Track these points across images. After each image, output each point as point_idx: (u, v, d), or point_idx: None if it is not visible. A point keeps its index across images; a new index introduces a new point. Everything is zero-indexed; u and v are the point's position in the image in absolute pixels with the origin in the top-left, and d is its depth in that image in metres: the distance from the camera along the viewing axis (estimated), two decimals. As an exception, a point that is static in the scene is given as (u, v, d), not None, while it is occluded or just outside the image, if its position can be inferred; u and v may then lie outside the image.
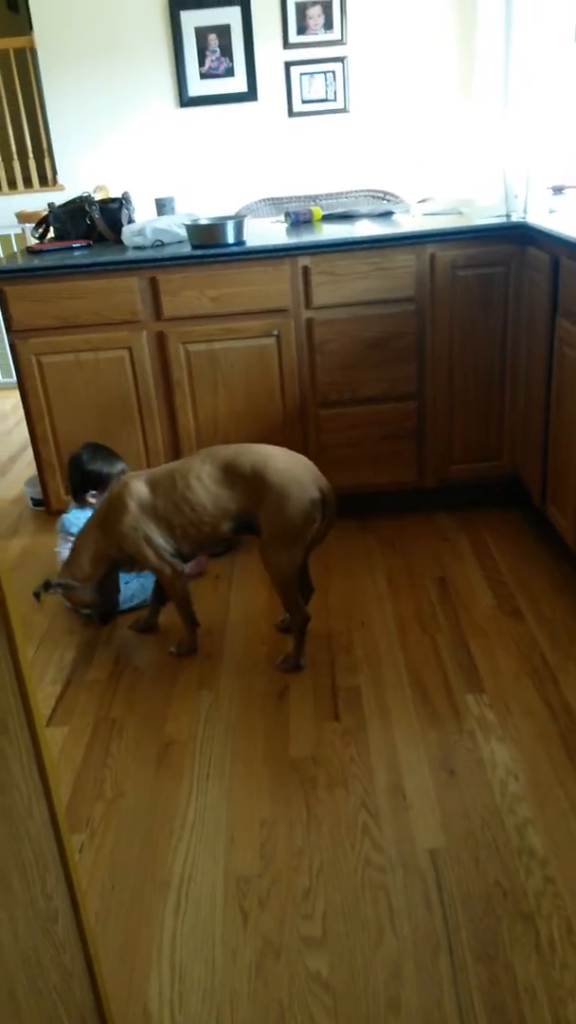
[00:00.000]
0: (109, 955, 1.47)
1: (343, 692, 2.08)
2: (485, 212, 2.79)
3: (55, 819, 0.86)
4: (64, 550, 2.53)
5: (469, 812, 1.68)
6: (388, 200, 3.57)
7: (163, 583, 2.23)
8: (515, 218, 2.60)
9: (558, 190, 2.88)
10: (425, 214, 2.90)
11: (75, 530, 2.41)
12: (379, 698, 2.05)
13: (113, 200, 2.98)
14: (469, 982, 1.37)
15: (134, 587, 2.53)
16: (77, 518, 2.50)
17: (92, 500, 2.50)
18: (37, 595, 2.23)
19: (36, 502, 3.27)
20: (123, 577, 2.58)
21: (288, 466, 2.06)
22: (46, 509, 2.98)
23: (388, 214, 2.98)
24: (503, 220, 2.60)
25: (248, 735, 1.97)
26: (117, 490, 2.17)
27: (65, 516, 2.58)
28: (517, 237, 2.57)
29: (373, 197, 3.70)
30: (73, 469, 2.53)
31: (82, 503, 2.55)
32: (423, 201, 3.29)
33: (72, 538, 2.43)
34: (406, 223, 2.74)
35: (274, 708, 2.05)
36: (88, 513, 2.46)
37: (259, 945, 1.46)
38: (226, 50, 4.99)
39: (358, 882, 1.56)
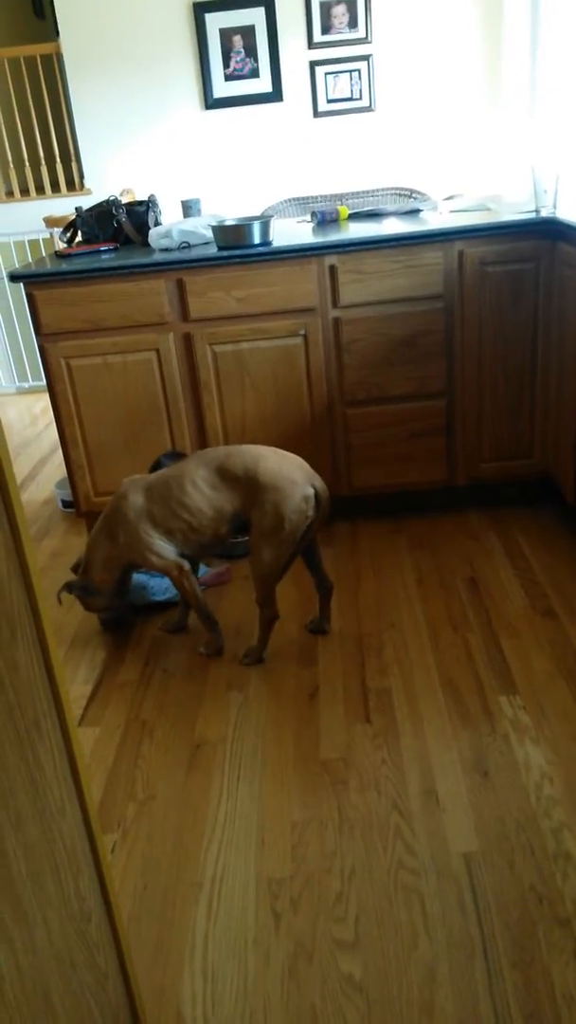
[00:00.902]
0: (142, 956, 1.47)
1: (374, 694, 2.06)
2: (514, 208, 2.76)
3: (87, 819, 0.85)
4: None
5: (503, 816, 1.66)
6: (415, 198, 3.55)
7: (174, 583, 2.25)
8: (545, 213, 2.57)
9: (588, 184, 2.84)
10: (453, 211, 2.87)
11: None
12: (410, 700, 2.03)
13: (140, 203, 2.99)
14: (505, 988, 1.34)
15: (168, 581, 2.54)
16: None
17: None
18: (59, 597, 2.28)
19: (66, 504, 3.29)
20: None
21: (279, 465, 2.09)
22: (76, 511, 3.00)
23: (415, 212, 2.95)
24: (532, 215, 2.57)
25: (278, 737, 1.96)
26: (115, 502, 2.21)
27: None
28: (547, 232, 2.54)
29: (400, 195, 3.68)
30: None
31: None
32: (451, 198, 3.26)
33: None
34: (433, 220, 2.71)
35: (304, 709, 2.04)
36: None
37: (291, 948, 1.46)
38: (251, 51, 4.99)
39: (391, 885, 1.54)
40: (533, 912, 1.46)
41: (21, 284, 2.98)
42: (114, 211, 2.95)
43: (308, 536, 2.16)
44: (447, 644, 2.22)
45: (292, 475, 2.08)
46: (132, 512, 2.17)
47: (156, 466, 2.52)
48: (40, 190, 5.45)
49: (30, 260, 4.81)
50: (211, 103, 5.07)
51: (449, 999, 1.34)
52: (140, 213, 2.96)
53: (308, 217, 3.18)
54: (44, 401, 5.05)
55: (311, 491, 2.09)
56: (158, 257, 2.61)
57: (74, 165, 5.30)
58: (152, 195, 3.02)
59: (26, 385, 5.35)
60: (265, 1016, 1.35)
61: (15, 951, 0.68)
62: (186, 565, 2.22)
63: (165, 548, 2.18)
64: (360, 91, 5.08)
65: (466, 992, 1.35)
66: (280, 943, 1.47)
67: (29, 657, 0.76)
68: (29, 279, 2.62)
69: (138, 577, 2.50)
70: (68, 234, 3.07)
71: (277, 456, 2.12)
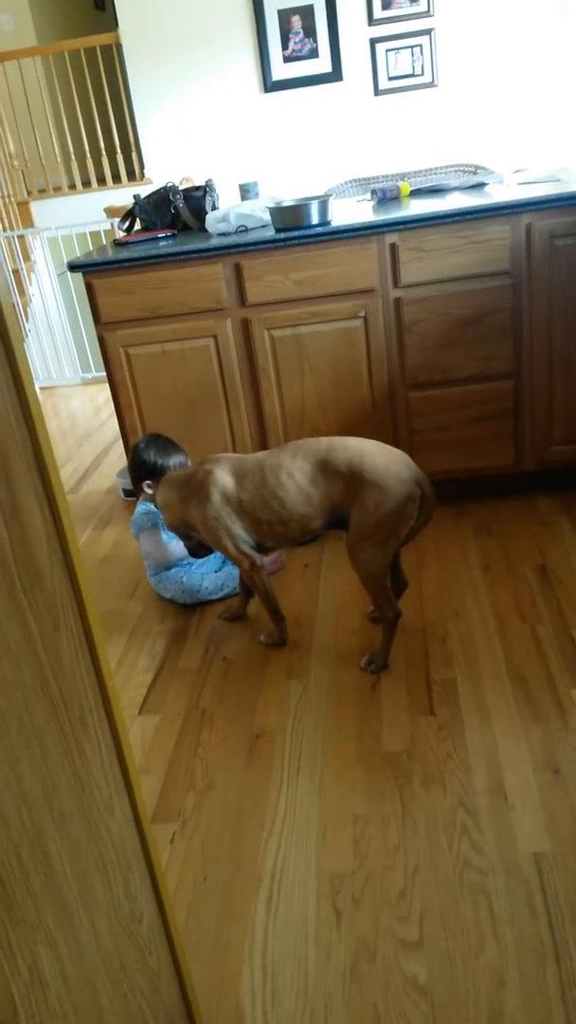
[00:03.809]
0: (201, 949, 1.45)
1: (438, 685, 2.00)
2: (585, 177, 2.63)
3: (138, 817, 0.83)
4: (148, 540, 2.53)
5: (576, 815, 1.58)
6: (479, 173, 3.42)
7: (243, 575, 2.19)
8: (618, 181, 2.44)
9: None
10: (520, 183, 2.75)
11: (140, 521, 2.48)
12: (476, 692, 1.96)
13: (197, 188, 2.96)
14: (579, 997, 1.28)
15: (223, 576, 2.52)
16: (149, 512, 2.52)
17: (148, 491, 2.49)
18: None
19: (127, 493, 3.31)
20: (211, 566, 2.57)
21: (386, 462, 1.96)
22: (136, 500, 3.00)
23: (480, 186, 2.85)
24: (605, 184, 2.44)
25: (339, 728, 1.92)
26: (201, 477, 2.10)
27: (137, 512, 2.57)
28: (621, 201, 2.41)
29: (464, 171, 3.56)
30: (131, 458, 2.51)
31: (140, 494, 2.55)
32: (518, 171, 3.13)
33: (144, 532, 2.48)
34: (499, 194, 2.60)
35: (366, 701, 1.99)
36: (146, 506, 2.48)
37: (353, 946, 1.42)
38: (309, 31, 4.91)
39: (457, 884, 1.49)
40: (609, 918, 1.38)
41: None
42: (171, 197, 2.93)
43: (410, 537, 2.04)
44: (515, 634, 2.14)
45: (400, 473, 1.94)
46: (217, 493, 2.07)
47: (134, 448, 2.49)
48: (102, 182, 5.49)
49: (92, 250, 4.87)
50: (270, 86, 5.01)
51: (519, 1007, 1.28)
52: (197, 198, 2.93)
53: (368, 196, 3.10)
54: (107, 392, 5.09)
55: (417, 491, 1.96)
56: (215, 242, 2.57)
57: (134, 155, 5.31)
58: (209, 180, 2.99)
59: (89, 376, 5.41)
60: (326, 1016, 1.32)
61: (60, 956, 0.65)
62: (259, 560, 2.14)
63: (242, 537, 2.09)
64: (422, 67, 4.95)
65: (537, 1000, 1.28)
66: (342, 940, 1.43)
67: (74, 649, 0.73)
68: (88, 268, 2.62)
69: (191, 578, 2.48)
70: (127, 223, 3.07)
71: (383, 451, 1.99)
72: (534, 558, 2.47)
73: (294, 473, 2.02)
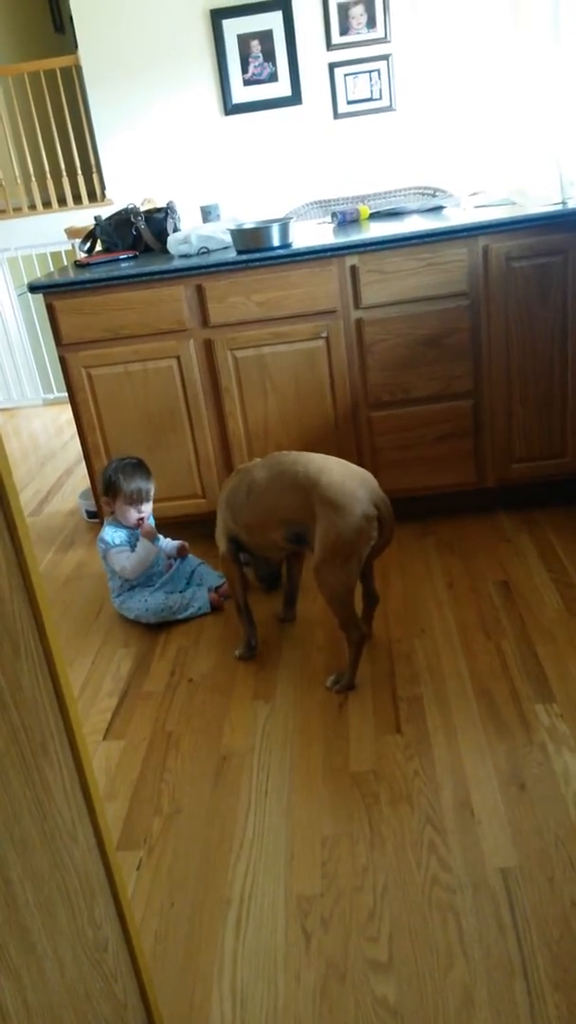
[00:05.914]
0: (169, 976, 1.43)
1: (404, 703, 2.01)
2: (540, 201, 2.69)
3: (101, 843, 0.81)
4: (116, 559, 2.51)
5: (542, 829, 1.59)
6: (437, 196, 3.49)
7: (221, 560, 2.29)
8: (572, 205, 2.50)
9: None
10: (476, 207, 2.81)
11: (107, 539, 2.51)
12: (442, 709, 1.97)
13: (158, 210, 2.98)
14: (547, 1012, 1.28)
15: (188, 595, 2.51)
16: (116, 531, 2.52)
17: (107, 507, 2.55)
18: None
19: (90, 514, 3.28)
20: (176, 585, 2.56)
21: (343, 480, 1.96)
22: (100, 521, 2.98)
23: (438, 209, 2.90)
24: (559, 208, 2.50)
25: (306, 748, 1.91)
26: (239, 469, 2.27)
27: (105, 530, 2.57)
28: (575, 224, 2.47)
29: (423, 194, 3.62)
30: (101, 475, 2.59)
31: (103, 509, 2.58)
32: (475, 194, 3.20)
33: (113, 549, 2.51)
34: (457, 216, 2.66)
35: (333, 720, 1.99)
36: (114, 527, 2.53)
37: (323, 968, 1.41)
38: (269, 55, 4.97)
39: (425, 903, 1.49)
40: None
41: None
42: (133, 219, 2.94)
43: (372, 558, 2.06)
44: (480, 651, 2.16)
45: (355, 492, 1.94)
46: (229, 488, 2.21)
47: (107, 465, 2.56)
48: (62, 203, 5.48)
49: (53, 271, 4.84)
50: (230, 109, 5.06)
51: (488, 1023, 1.28)
52: (159, 220, 2.94)
53: (328, 218, 3.14)
54: (69, 412, 5.05)
55: (374, 512, 1.95)
56: (177, 263, 2.58)
57: (95, 176, 5.32)
58: (171, 202, 3.00)
59: (51, 396, 5.37)
60: (296, 1041, 1.30)
61: (23, 987, 0.64)
62: (232, 553, 2.23)
63: (228, 526, 2.21)
64: (380, 91, 5.04)
65: (507, 1015, 1.29)
66: (311, 963, 1.42)
67: (34, 675, 0.72)
68: (48, 290, 2.61)
69: (155, 598, 2.49)
70: (88, 244, 3.06)
71: (343, 470, 2.00)
72: (497, 574, 2.50)
73: (256, 480, 2.10)
